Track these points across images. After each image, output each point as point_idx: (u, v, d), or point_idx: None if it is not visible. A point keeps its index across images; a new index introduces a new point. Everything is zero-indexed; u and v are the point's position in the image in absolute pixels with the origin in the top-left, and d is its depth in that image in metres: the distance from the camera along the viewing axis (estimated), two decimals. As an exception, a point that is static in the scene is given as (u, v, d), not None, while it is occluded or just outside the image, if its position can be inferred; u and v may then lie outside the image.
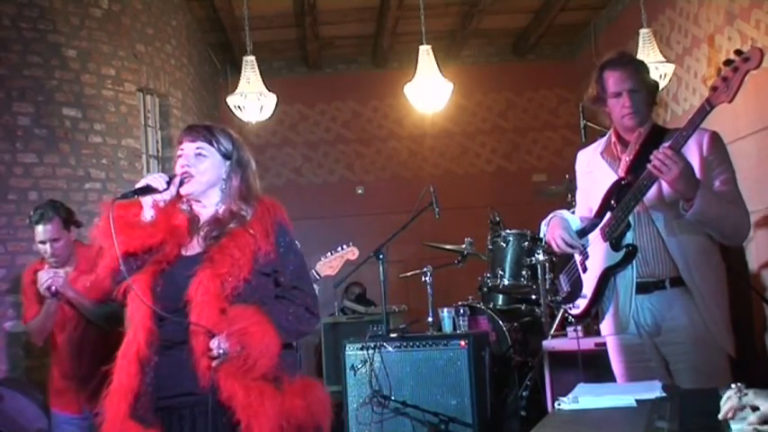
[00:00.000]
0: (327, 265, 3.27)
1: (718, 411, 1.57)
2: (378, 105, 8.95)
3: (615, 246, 2.75)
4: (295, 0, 7.28)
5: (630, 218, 2.72)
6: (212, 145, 2.41)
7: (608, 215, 2.78)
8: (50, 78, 5.28)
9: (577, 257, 2.93)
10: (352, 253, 3.32)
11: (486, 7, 7.41)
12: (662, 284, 2.72)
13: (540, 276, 4.79)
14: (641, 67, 2.86)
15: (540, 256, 4.82)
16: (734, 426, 1.51)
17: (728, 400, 1.55)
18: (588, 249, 2.87)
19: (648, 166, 2.55)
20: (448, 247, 5.58)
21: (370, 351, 4.39)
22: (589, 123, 4.93)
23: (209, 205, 2.42)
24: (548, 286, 4.80)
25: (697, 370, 2.64)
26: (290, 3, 7.36)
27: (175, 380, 2.23)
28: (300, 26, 7.84)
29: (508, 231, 5.18)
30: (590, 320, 4.36)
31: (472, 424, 4.29)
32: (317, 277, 3.31)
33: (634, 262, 2.72)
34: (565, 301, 3.04)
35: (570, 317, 3.10)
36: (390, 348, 4.49)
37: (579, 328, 4.29)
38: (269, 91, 6.16)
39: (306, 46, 8.36)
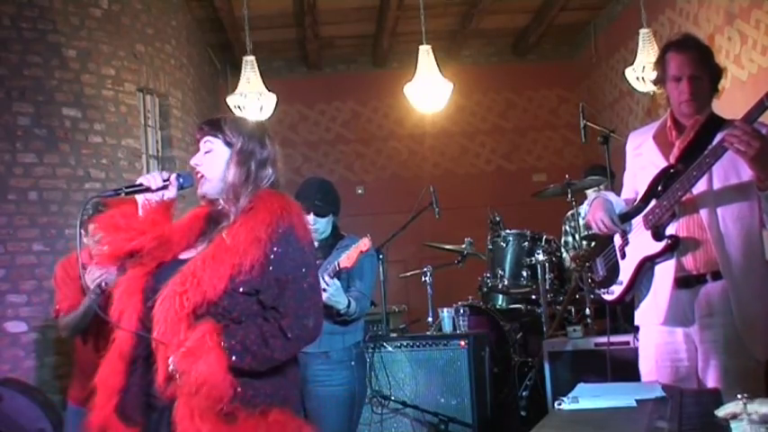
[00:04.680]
0: (346, 258, 3.27)
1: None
2: (378, 105, 8.95)
3: (657, 235, 2.67)
4: (295, 0, 7.28)
5: (675, 208, 2.63)
6: (218, 137, 2.20)
7: (653, 202, 2.70)
8: (50, 78, 5.28)
9: (617, 242, 2.86)
10: (364, 244, 3.31)
11: (486, 7, 7.41)
12: (703, 279, 2.63)
13: (539, 276, 4.80)
14: (706, 53, 2.72)
15: (540, 256, 4.83)
16: (734, 426, 1.51)
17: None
18: (629, 236, 2.80)
19: (724, 143, 2.42)
20: (448, 247, 5.58)
21: (370, 351, 4.39)
22: (589, 123, 4.92)
23: None
24: (548, 286, 4.81)
25: (727, 371, 2.56)
26: (290, 3, 7.36)
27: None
28: (300, 26, 7.83)
29: (508, 231, 5.19)
30: (592, 321, 4.41)
31: (472, 424, 4.30)
32: (337, 268, 3.29)
33: (675, 254, 2.63)
34: (599, 285, 2.96)
35: (605, 303, 3.01)
36: (390, 348, 4.49)
37: (576, 329, 4.31)
38: (269, 91, 6.17)
39: (306, 46, 8.36)
